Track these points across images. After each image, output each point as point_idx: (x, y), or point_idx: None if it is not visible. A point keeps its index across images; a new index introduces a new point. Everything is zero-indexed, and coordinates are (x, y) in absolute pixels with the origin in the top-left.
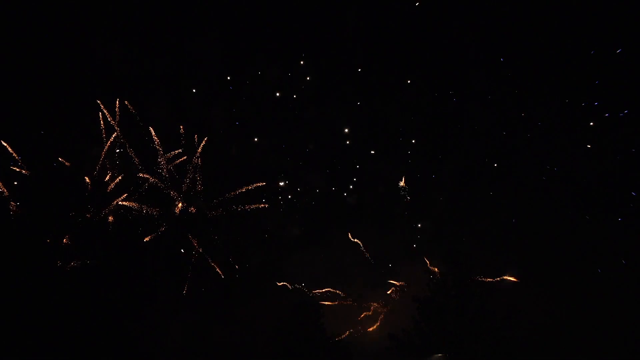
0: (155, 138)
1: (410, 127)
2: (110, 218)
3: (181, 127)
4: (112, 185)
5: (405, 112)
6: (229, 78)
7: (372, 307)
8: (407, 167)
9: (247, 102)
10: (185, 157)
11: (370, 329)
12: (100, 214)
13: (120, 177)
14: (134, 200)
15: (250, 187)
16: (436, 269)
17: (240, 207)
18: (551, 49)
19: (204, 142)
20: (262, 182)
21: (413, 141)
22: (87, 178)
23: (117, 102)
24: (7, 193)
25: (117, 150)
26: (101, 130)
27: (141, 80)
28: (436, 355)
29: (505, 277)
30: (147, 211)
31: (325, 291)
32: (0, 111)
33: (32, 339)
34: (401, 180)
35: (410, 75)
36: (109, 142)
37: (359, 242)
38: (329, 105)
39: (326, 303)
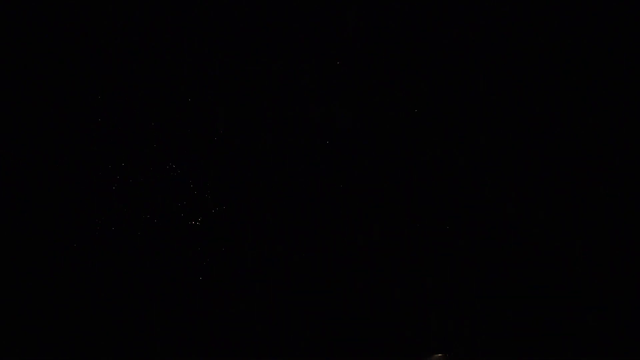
0: (160, 138)
1: (411, 126)
2: (112, 221)
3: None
4: (114, 188)
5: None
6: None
7: None
8: (408, 165)
9: (247, 101)
10: (192, 159)
11: None
12: (103, 217)
13: (125, 180)
14: (136, 202)
15: (256, 188)
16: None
17: (246, 209)
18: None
19: (211, 143)
20: (269, 184)
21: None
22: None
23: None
24: None
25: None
26: (103, 129)
27: (141, 79)
28: (436, 355)
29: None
30: (149, 215)
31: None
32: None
33: (33, 339)
34: None
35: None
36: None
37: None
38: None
39: None
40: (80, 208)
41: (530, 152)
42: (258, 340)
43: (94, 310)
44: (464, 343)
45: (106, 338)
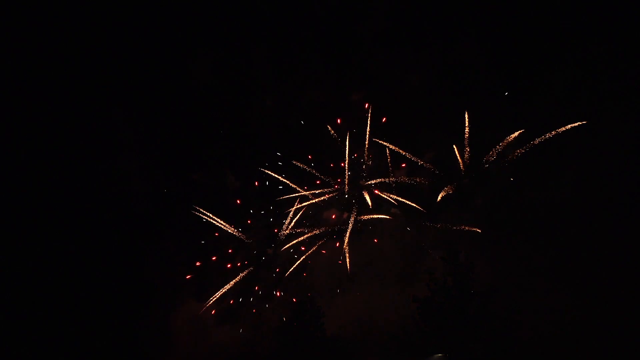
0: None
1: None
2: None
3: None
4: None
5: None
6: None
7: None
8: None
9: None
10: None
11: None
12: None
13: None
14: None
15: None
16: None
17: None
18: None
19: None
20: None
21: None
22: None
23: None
24: None
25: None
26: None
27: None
28: (436, 355)
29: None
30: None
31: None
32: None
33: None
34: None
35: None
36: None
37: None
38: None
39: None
40: None
41: (527, 153)
42: (259, 337)
43: None
44: (464, 343)
45: None
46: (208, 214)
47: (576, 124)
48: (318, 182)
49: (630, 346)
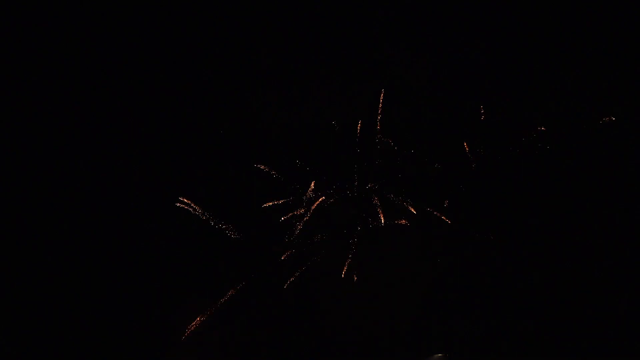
0: None
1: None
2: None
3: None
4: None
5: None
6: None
7: None
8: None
9: None
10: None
11: None
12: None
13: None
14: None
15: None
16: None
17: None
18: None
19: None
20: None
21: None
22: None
23: None
24: None
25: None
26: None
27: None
28: (436, 355)
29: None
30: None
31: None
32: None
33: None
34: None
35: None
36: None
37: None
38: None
39: None
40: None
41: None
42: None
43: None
44: (464, 343)
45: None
46: (209, 214)
47: (601, 121)
48: (324, 183)
49: (631, 347)
